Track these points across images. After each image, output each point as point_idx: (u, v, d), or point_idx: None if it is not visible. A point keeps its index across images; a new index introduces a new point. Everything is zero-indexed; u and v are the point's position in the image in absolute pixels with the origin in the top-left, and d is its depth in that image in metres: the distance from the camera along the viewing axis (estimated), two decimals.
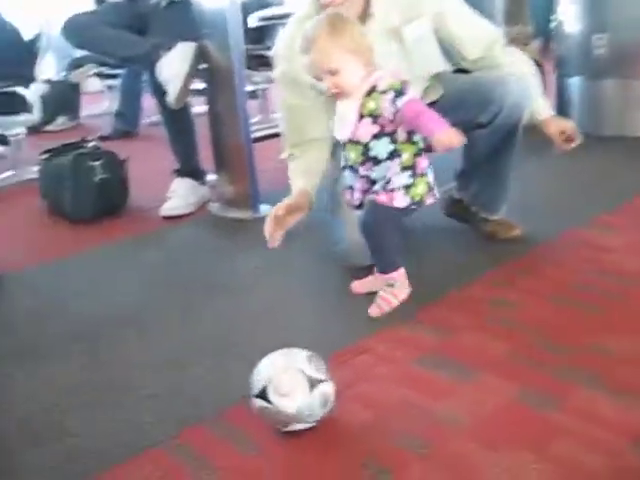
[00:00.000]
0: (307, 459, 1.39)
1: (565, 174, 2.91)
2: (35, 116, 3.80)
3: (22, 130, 3.85)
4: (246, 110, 2.77)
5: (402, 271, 1.89)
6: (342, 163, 1.91)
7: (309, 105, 2.08)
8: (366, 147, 1.78)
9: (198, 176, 3.03)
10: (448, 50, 2.16)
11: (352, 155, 1.82)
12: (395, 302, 1.88)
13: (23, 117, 3.77)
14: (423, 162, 1.84)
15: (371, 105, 1.74)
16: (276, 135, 2.26)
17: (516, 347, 1.69)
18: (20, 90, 3.67)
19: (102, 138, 4.45)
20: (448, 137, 1.66)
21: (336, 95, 1.79)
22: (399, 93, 1.70)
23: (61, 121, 5.37)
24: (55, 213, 3.07)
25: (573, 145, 2.11)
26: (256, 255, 2.34)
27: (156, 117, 4.20)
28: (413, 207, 1.83)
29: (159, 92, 2.82)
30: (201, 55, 2.77)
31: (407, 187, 1.80)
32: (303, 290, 2.14)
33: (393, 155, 1.78)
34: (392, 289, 1.88)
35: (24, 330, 2.05)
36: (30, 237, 2.93)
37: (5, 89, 3.64)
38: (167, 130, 2.99)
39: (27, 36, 3.94)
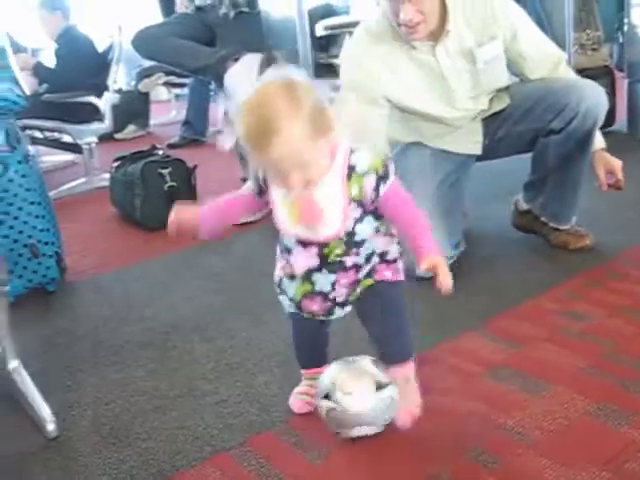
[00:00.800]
0: (373, 468, 1.38)
1: (636, 183, 2.83)
2: (107, 125, 3.90)
3: (94, 138, 3.95)
4: None
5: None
6: (298, 266, 1.43)
7: (377, 113, 2.07)
8: (350, 234, 1.37)
9: None
10: (511, 65, 2.16)
11: (337, 251, 1.37)
12: (419, 401, 1.50)
13: (95, 126, 3.88)
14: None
15: (354, 191, 1.32)
16: None
17: (589, 360, 1.65)
18: (93, 99, 3.77)
19: (170, 146, 4.55)
20: (433, 266, 1.35)
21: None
22: (382, 177, 1.33)
23: (131, 129, 5.51)
24: (126, 220, 3.14)
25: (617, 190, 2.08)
26: None
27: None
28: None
29: None
30: (268, 65, 2.79)
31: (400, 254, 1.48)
32: None
33: (379, 229, 1.42)
34: (413, 384, 1.50)
35: (97, 336, 2.10)
36: (102, 244, 3.00)
37: (80, 99, 3.75)
38: (236, 139, 3.01)
39: (100, 47, 4.06)
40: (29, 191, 2.33)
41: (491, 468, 1.33)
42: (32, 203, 2.34)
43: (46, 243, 2.37)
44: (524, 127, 2.10)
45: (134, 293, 2.40)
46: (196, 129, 4.88)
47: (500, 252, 2.35)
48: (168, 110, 6.30)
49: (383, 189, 1.33)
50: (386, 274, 1.45)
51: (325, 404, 1.43)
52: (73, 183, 3.92)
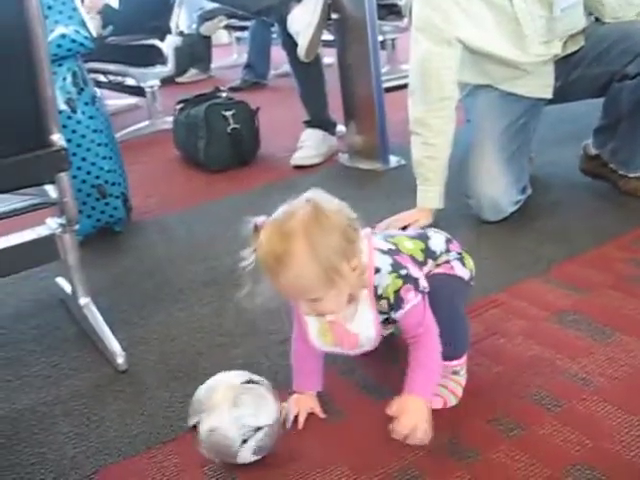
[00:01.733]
0: (439, 412, 1.39)
1: None
2: (169, 68, 3.92)
3: (157, 82, 3.98)
4: (378, 60, 2.74)
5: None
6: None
7: (449, 54, 2.03)
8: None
9: (328, 126, 3.04)
10: (588, 8, 2.08)
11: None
12: (460, 393, 1.43)
13: (158, 69, 3.89)
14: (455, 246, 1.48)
15: (382, 308, 1.30)
16: (405, 86, 2.22)
17: None
18: (157, 42, 3.79)
19: (232, 89, 4.54)
20: (399, 409, 1.25)
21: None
22: (393, 305, 1.27)
23: (193, 73, 5.52)
24: (189, 162, 3.18)
25: None
26: (383, 206, 2.33)
27: (285, 68, 4.24)
28: (471, 283, 1.46)
29: (289, 44, 2.84)
30: (332, 6, 2.75)
31: (459, 259, 1.44)
32: None
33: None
34: (458, 377, 1.43)
35: (162, 274, 2.14)
36: (166, 185, 3.04)
37: (143, 41, 3.76)
38: (297, 82, 3.00)
39: None
40: (96, 132, 2.37)
41: (554, 412, 1.32)
42: (99, 144, 2.38)
43: (113, 184, 2.41)
44: (598, 70, 2.03)
45: (198, 233, 2.43)
46: (257, 72, 4.86)
47: (567, 198, 2.30)
48: (229, 53, 6.29)
49: (395, 314, 1.28)
50: (439, 270, 1.40)
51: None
52: (137, 126, 3.97)
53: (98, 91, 2.60)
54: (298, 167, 2.89)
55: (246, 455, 1.26)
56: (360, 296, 1.28)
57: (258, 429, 1.25)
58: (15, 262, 1.77)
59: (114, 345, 1.70)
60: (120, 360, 1.67)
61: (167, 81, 4.46)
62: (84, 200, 2.35)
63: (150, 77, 3.92)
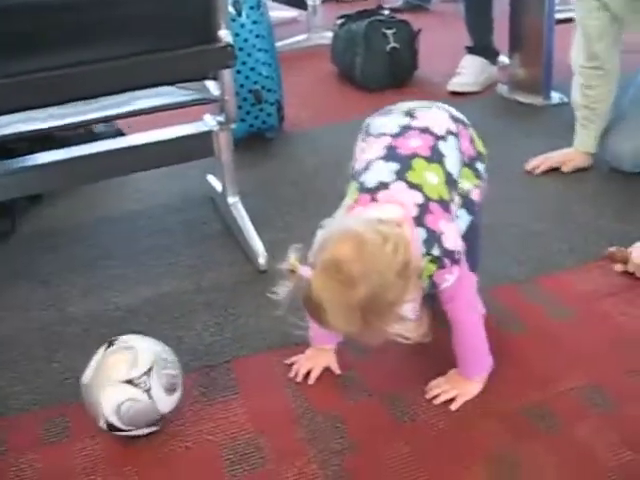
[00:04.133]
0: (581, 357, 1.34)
1: None
2: None
3: None
4: None
5: None
6: None
7: None
8: None
9: (490, 55, 2.91)
10: None
11: None
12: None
13: None
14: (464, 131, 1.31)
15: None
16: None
17: None
18: None
19: (393, 10, 4.43)
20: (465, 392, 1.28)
21: None
22: (429, 288, 1.17)
23: None
24: (343, 78, 3.15)
25: None
26: (542, 143, 2.23)
27: None
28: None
29: None
30: None
31: (480, 160, 1.31)
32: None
33: None
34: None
35: (307, 184, 2.17)
36: (319, 99, 3.03)
37: None
38: (465, 5, 2.88)
39: None
40: (258, 37, 2.38)
41: None
42: (260, 50, 2.39)
43: (269, 90, 2.42)
44: None
45: (345, 148, 2.40)
46: None
47: None
48: None
49: (429, 291, 1.17)
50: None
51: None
52: (295, 39, 3.95)
53: None
54: (454, 93, 2.80)
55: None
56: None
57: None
58: (173, 154, 1.84)
59: (257, 245, 1.74)
60: (262, 260, 1.71)
61: None
62: (240, 104, 2.37)
63: None
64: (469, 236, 1.27)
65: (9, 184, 1.80)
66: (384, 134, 1.24)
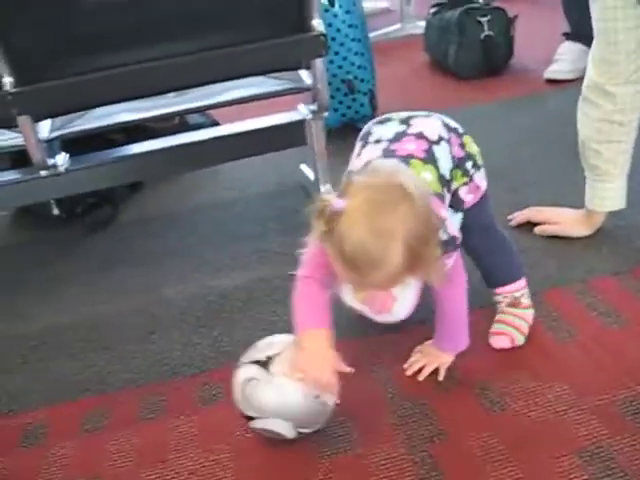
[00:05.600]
0: None
1: None
2: None
3: None
4: None
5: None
6: None
7: None
8: None
9: (588, 42, 2.81)
10: None
11: None
12: (527, 330, 1.39)
13: None
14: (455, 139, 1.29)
15: None
16: None
17: None
18: None
19: None
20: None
21: None
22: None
23: None
24: (437, 67, 3.12)
25: None
26: None
27: None
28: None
29: None
30: None
31: (472, 164, 1.29)
32: None
33: None
34: (522, 312, 1.40)
35: None
36: (412, 89, 3.01)
37: None
38: None
39: None
40: (351, 27, 2.38)
41: None
42: (353, 40, 2.39)
43: (362, 80, 2.43)
44: None
45: None
46: None
47: None
48: None
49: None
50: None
51: (249, 370, 1.20)
52: (388, 29, 3.94)
53: None
54: (551, 81, 2.73)
55: None
56: None
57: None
58: (266, 143, 1.87)
59: None
60: None
61: None
62: (332, 94, 2.39)
63: None
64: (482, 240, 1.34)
65: (109, 173, 1.87)
66: (381, 140, 1.25)
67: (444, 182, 1.21)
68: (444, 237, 1.14)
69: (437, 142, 1.23)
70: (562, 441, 1.15)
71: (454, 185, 1.24)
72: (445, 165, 1.22)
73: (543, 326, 1.39)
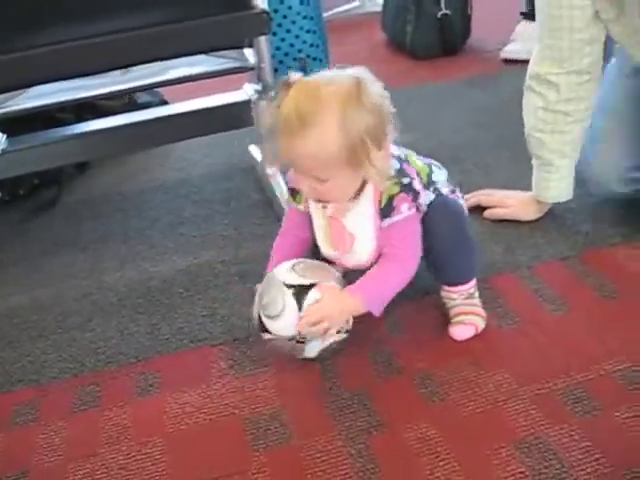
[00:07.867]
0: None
1: None
2: None
3: None
4: None
5: None
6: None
7: None
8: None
9: None
10: None
11: None
12: (484, 313, 1.36)
13: None
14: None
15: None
16: None
17: None
18: None
19: None
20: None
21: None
22: (385, 212, 1.21)
23: None
24: (394, 46, 3.08)
25: None
26: None
27: None
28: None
29: None
30: None
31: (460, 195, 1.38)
32: None
33: None
34: (475, 300, 1.36)
35: None
36: (367, 67, 2.97)
37: None
38: None
39: None
40: (303, 4, 2.32)
41: None
42: (305, 17, 2.33)
43: (314, 59, 2.37)
44: None
45: (396, 116, 2.36)
46: None
47: None
48: None
49: (382, 223, 1.22)
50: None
51: (266, 337, 1.27)
52: (346, 6, 3.88)
53: None
54: (508, 61, 2.71)
55: None
56: (365, 193, 1.21)
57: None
58: (214, 123, 1.83)
59: None
60: None
61: None
62: (285, 73, 2.34)
63: None
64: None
65: (55, 152, 1.82)
66: None
67: (430, 182, 1.28)
68: (405, 181, 1.19)
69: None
70: (501, 432, 1.13)
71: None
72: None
73: (488, 313, 1.37)
